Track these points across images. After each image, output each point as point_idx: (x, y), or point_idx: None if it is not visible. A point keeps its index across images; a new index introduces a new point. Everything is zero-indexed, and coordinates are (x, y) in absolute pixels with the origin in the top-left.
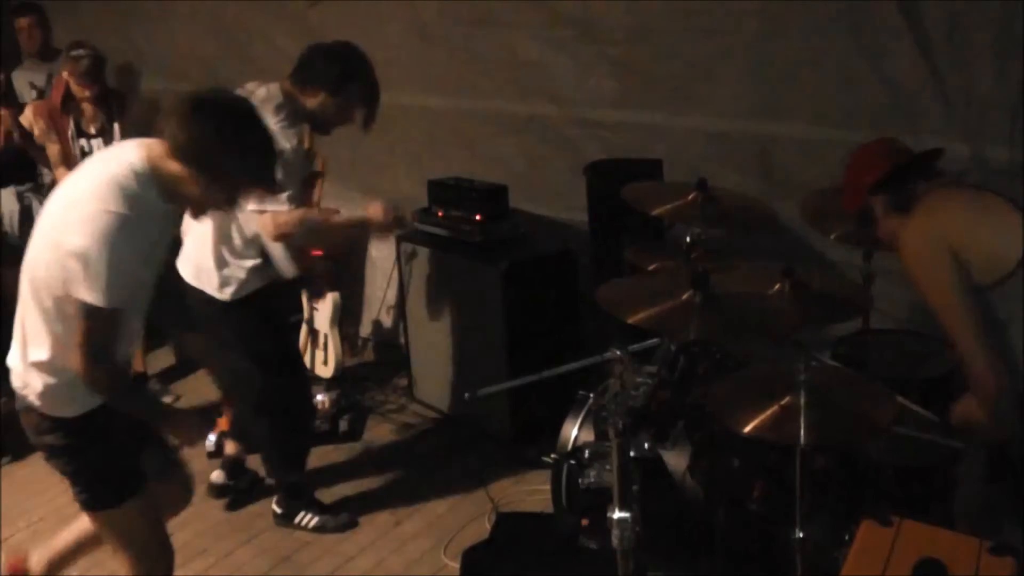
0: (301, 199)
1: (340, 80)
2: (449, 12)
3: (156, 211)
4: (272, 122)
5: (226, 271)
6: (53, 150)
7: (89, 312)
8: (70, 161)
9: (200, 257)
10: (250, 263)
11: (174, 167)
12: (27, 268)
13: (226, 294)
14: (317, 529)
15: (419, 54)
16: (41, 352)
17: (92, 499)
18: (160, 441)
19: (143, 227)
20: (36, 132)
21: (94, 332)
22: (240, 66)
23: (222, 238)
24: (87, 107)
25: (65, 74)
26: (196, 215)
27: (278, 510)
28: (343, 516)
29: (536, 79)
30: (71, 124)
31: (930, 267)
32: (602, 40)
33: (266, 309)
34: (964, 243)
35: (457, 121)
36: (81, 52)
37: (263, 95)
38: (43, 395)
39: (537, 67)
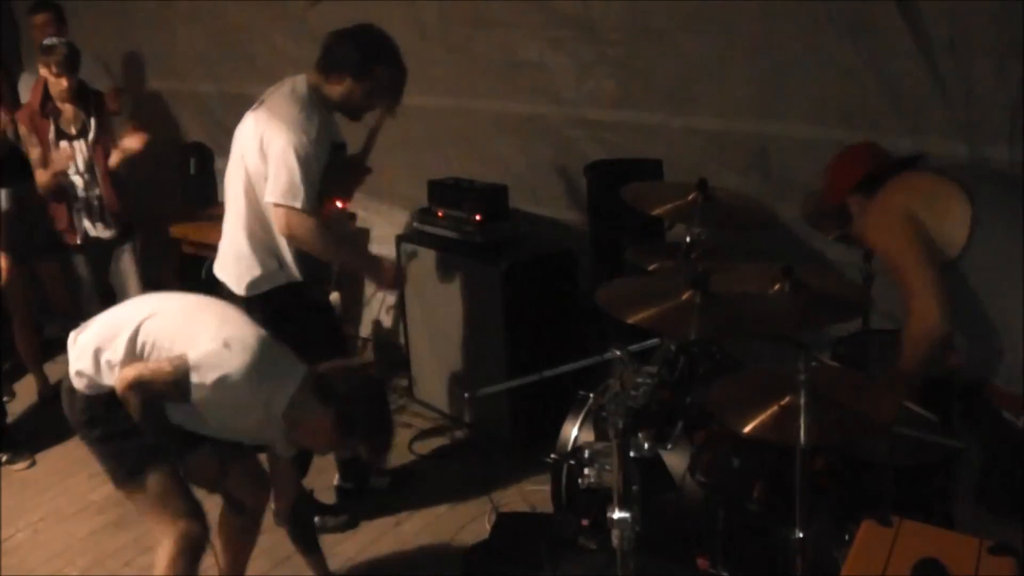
0: (317, 201)
1: (365, 63)
2: (449, 12)
3: None
4: (291, 113)
5: (243, 266)
6: (34, 153)
7: (179, 369)
8: (56, 166)
9: (224, 249)
10: (267, 260)
11: None
12: (168, 306)
13: (242, 289)
14: (316, 529)
15: (419, 54)
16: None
17: (116, 475)
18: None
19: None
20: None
21: (161, 378)
22: (240, 66)
23: (247, 233)
24: (66, 108)
25: (42, 71)
26: None
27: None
28: (343, 517)
29: (536, 79)
30: (51, 127)
31: (890, 226)
32: (602, 40)
33: (286, 308)
34: (921, 222)
35: (457, 121)
36: (54, 41)
37: (288, 88)
38: (77, 374)
39: (537, 67)
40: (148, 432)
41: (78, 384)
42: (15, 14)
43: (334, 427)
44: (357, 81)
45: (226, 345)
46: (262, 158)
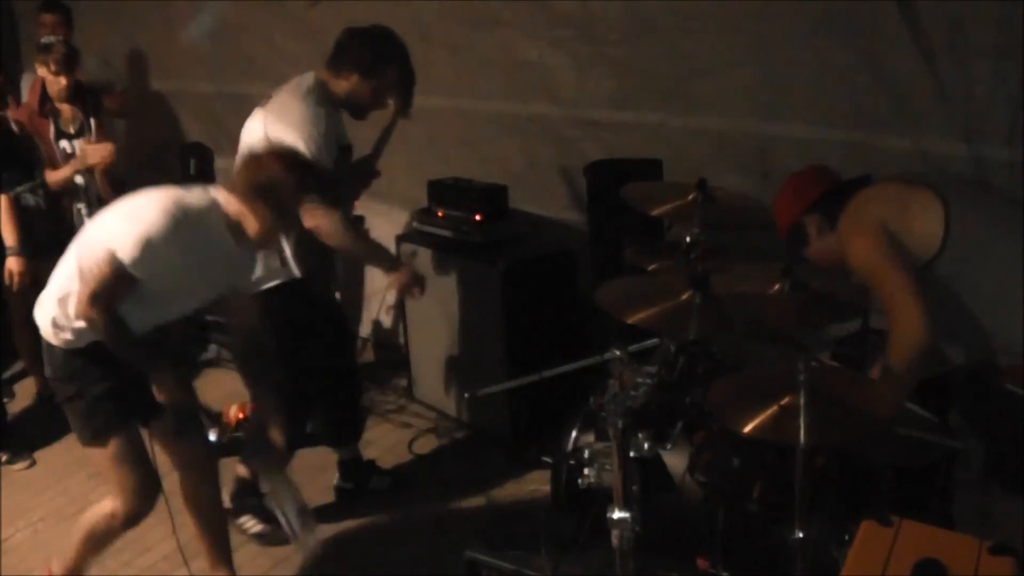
0: (327, 196)
1: (374, 62)
2: (449, 12)
3: (217, 237)
4: (299, 109)
5: None
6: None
7: (111, 261)
8: (52, 164)
9: None
10: (268, 257)
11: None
12: (87, 231)
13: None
14: (256, 537)
15: (419, 54)
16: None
17: (82, 435)
18: (178, 404)
19: (203, 240)
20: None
21: (104, 281)
22: (240, 66)
23: None
24: (64, 108)
25: (40, 70)
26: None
27: (230, 503)
28: (281, 533)
29: (536, 79)
30: (51, 127)
31: (866, 241)
32: (601, 40)
33: (289, 306)
34: (895, 227)
35: (457, 121)
36: (52, 39)
37: (295, 84)
38: (52, 326)
39: (537, 67)
40: (118, 349)
41: (55, 340)
42: (15, 14)
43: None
44: (365, 79)
45: (131, 216)
46: None
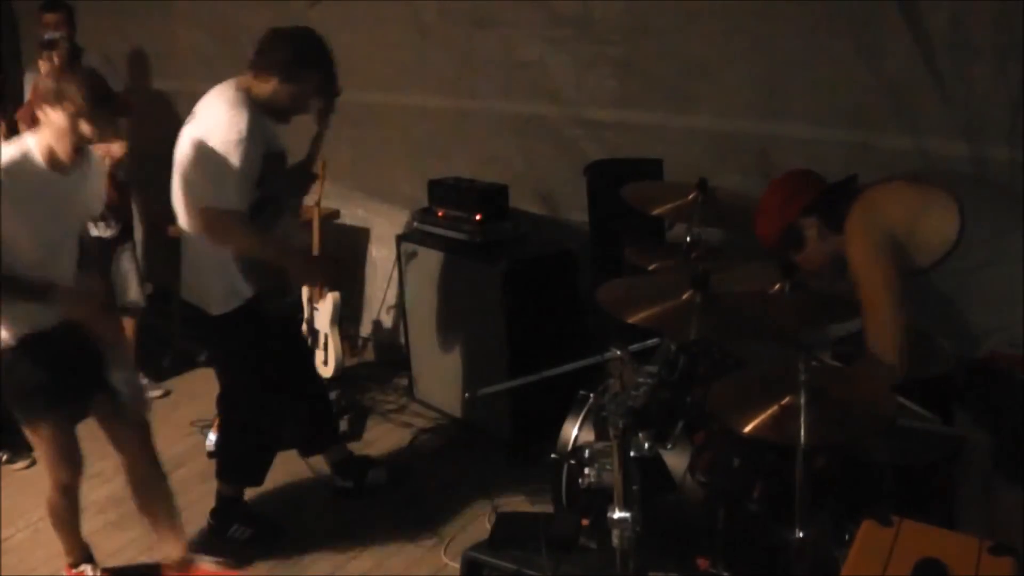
0: (240, 201)
1: (292, 66)
2: (449, 12)
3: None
4: (215, 115)
5: (204, 286)
6: None
7: None
8: None
9: (185, 274)
10: (222, 276)
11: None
12: None
13: (210, 309)
14: (249, 542)
15: (419, 54)
16: None
17: (19, 414)
18: (112, 387)
19: (34, 186)
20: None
21: None
22: (240, 66)
23: (196, 252)
24: None
25: (42, 67)
26: None
27: (211, 522)
28: (270, 527)
29: (536, 79)
30: None
31: (868, 245)
32: (602, 40)
33: (244, 326)
34: (905, 230)
35: (457, 121)
36: (55, 35)
37: (214, 92)
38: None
39: (537, 67)
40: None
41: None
42: (16, 14)
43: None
44: (283, 83)
45: None
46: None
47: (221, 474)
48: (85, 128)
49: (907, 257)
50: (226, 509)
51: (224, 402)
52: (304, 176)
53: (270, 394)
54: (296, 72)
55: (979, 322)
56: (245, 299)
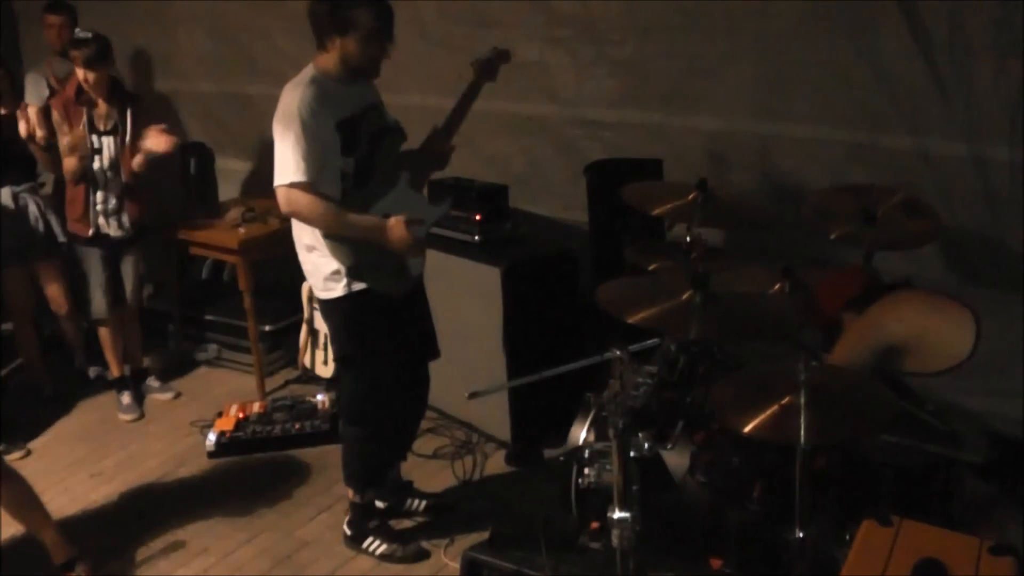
0: (317, 174)
1: (338, 14)
2: (449, 12)
3: None
4: (285, 100)
5: (308, 271)
6: (63, 141)
7: None
8: (79, 151)
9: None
10: (320, 261)
11: None
12: None
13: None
14: (383, 558)
15: (419, 54)
16: None
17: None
18: None
19: None
20: (39, 133)
21: None
22: (240, 66)
23: (294, 232)
24: (100, 104)
25: (78, 68)
26: None
27: (348, 532)
28: (412, 546)
29: (536, 79)
30: (84, 116)
31: (852, 352)
32: (602, 40)
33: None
34: (915, 335)
35: None
36: (87, 34)
37: (295, 80)
38: None
39: (537, 67)
40: None
41: None
42: (15, 14)
43: None
44: (344, 36)
45: None
46: None
47: (347, 480)
48: None
49: (913, 361)
50: (362, 517)
51: (343, 398)
52: (436, 148)
53: (390, 390)
54: (344, 18)
55: None
56: (347, 281)
